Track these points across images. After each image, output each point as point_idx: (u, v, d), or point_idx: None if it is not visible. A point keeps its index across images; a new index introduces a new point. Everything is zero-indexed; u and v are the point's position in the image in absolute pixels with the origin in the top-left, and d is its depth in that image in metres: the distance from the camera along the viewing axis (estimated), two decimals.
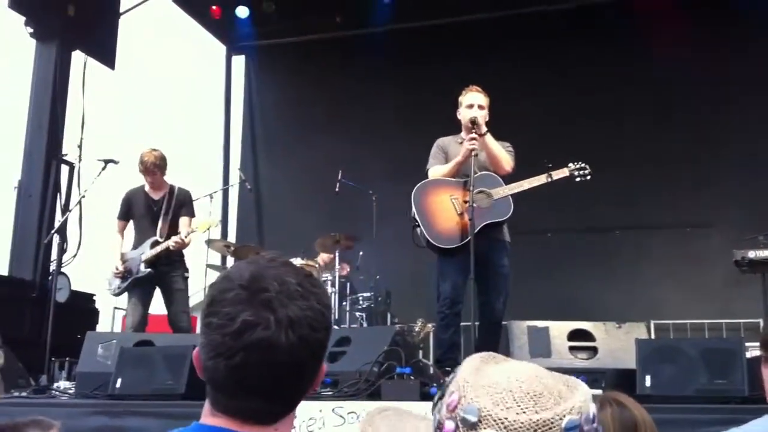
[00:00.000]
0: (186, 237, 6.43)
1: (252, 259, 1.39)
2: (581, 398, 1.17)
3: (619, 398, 2.49)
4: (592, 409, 1.18)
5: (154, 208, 6.68)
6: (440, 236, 5.29)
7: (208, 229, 7.00)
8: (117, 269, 6.57)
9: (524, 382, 1.17)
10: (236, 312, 1.28)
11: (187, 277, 6.79)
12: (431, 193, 5.44)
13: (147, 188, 6.75)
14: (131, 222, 6.80)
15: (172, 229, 6.57)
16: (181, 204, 6.72)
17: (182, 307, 6.57)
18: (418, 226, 5.34)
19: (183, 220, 6.68)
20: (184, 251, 6.73)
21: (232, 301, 1.29)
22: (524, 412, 1.13)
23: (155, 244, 6.49)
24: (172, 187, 6.76)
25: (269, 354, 1.27)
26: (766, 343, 2.27)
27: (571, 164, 5.61)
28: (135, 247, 6.65)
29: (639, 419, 2.40)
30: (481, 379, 1.19)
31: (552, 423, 1.13)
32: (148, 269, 6.45)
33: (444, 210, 5.35)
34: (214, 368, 1.30)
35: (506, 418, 1.13)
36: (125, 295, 6.72)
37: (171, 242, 6.39)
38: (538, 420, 1.13)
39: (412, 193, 5.43)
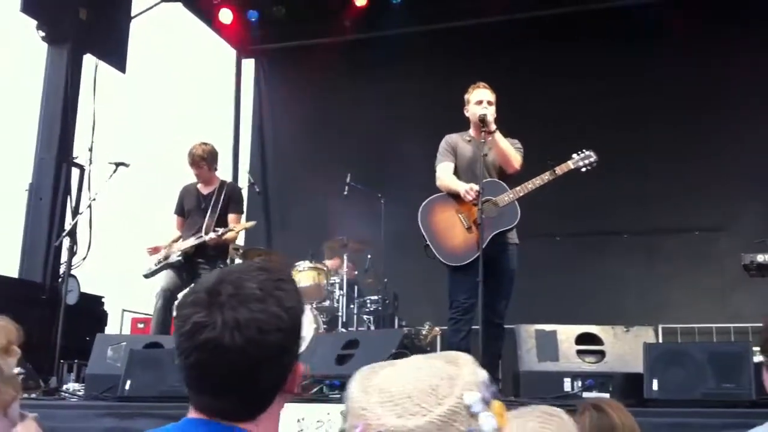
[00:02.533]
0: (222, 234, 6.46)
1: (233, 265, 1.49)
2: (469, 370, 1.21)
3: (600, 404, 2.49)
4: (483, 374, 1.22)
5: (203, 203, 6.75)
6: (451, 255, 5.31)
7: (244, 230, 7.07)
8: (150, 246, 6.72)
9: (416, 380, 1.19)
10: (190, 314, 1.36)
11: None
12: (437, 210, 5.44)
13: (198, 184, 6.84)
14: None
15: (219, 225, 6.60)
16: (229, 200, 6.78)
17: None
18: (428, 245, 5.35)
19: (231, 217, 6.75)
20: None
21: (191, 304, 1.37)
22: (429, 411, 1.15)
23: (198, 239, 6.56)
24: (222, 183, 6.86)
25: (218, 355, 1.34)
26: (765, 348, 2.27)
27: (574, 155, 5.50)
28: (183, 240, 6.73)
29: (617, 424, 2.41)
30: (373, 396, 1.20)
31: (458, 407, 1.16)
32: (180, 258, 6.52)
33: (452, 227, 5.35)
34: (179, 367, 1.40)
35: (417, 426, 1.15)
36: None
37: (207, 237, 6.45)
38: (445, 411, 1.15)
39: (419, 212, 5.44)
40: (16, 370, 2.13)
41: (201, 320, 1.34)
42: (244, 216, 7.22)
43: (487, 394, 1.19)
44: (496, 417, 1.19)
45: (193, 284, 1.51)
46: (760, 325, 2.51)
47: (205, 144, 6.75)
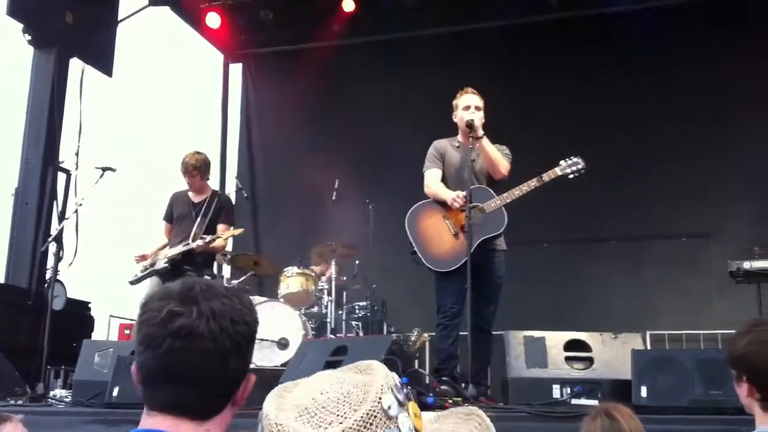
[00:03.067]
0: (209, 242, 6.44)
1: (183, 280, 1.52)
2: (381, 374, 1.23)
3: (611, 410, 2.54)
4: (395, 378, 1.24)
5: (193, 211, 6.72)
6: (438, 261, 5.32)
7: (231, 237, 7.04)
8: (137, 254, 6.67)
9: (327, 391, 1.21)
10: (163, 305, 1.40)
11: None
12: (424, 217, 5.45)
13: (189, 192, 6.81)
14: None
15: (208, 234, 6.57)
16: (220, 210, 6.76)
17: None
18: (416, 252, 5.35)
19: (220, 227, 6.73)
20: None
21: (161, 297, 1.42)
22: (346, 418, 1.16)
23: (185, 247, 6.52)
24: (214, 192, 6.84)
25: (192, 341, 1.38)
26: (733, 361, 2.29)
27: (562, 162, 5.49)
28: (171, 247, 6.69)
29: (626, 430, 2.45)
30: (289, 412, 1.20)
31: (374, 410, 1.17)
32: (166, 265, 6.48)
33: (438, 233, 5.36)
34: (144, 362, 1.41)
35: None
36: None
37: (194, 244, 6.42)
38: (362, 416, 1.16)
39: (406, 219, 5.45)
40: None
41: (176, 309, 1.39)
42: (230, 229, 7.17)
43: (402, 396, 1.21)
44: (412, 418, 1.20)
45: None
46: None
47: (199, 153, 6.72)
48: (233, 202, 7.02)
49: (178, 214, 6.79)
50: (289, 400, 1.23)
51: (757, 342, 2.20)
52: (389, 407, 1.18)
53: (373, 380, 1.22)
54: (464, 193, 5.18)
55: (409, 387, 1.25)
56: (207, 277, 6.77)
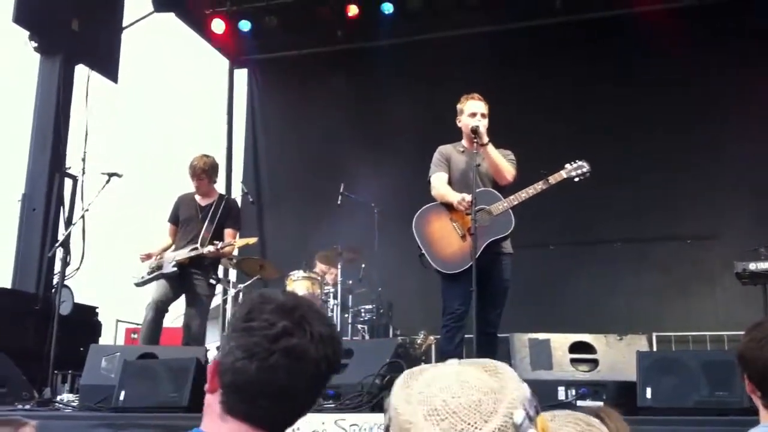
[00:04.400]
0: (221, 248, 6.46)
1: (273, 289, 1.56)
2: (513, 384, 1.20)
3: (600, 413, 2.54)
4: (527, 389, 1.21)
5: (199, 214, 6.73)
6: (446, 263, 5.32)
7: (245, 245, 7.06)
8: (143, 253, 6.69)
9: (460, 396, 1.18)
10: (276, 319, 1.43)
11: (213, 284, 6.81)
12: (432, 219, 5.46)
13: (197, 195, 6.82)
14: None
15: (215, 238, 6.60)
16: (227, 214, 6.77)
17: (198, 312, 6.57)
18: (424, 254, 5.37)
19: (228, 231, 6.73)
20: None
21: (272, 311, 1.45)
22: (477, 429, 1.15)
23: (193, 251, 6.53)
24: (221, 196, 6.85)
25: (300, 362, 1.43)
26: (737, 359, 2.32)
27: (567, 165, 5.51)
28: (176, 249, 6.70)
29: None
30: (417, 407, 1.19)
31: (505, 426, 1.15)
32: (175, 269, 6.49)
33: (446, 235, 5.37)
34: (242, 370, 1.42)
35: None
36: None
37: (205, 250, 6.44)
38: (491, 430, 1.15)
39: (413, 221, 5.46)
40: None
41: (290, 327, 1.43)
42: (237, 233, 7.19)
43: (532, 411, 1.19)
44: None
45: (252, 297, 1.54)
46: None
47: (207, 156, 6.75)
48: (240, 207, 7.02)
49: (185, 217, 6.80)
50: (415, 390, 1.21)
51: (754, 340, 2.23)
52: (520, 424, 1.16)
53: (503, 388, 1.19)
54: (469, 197, 5.19)
55: (537, 400, 1.23)
56: (212, 281, 6.79)
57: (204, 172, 6.66)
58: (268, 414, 1.44)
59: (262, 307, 1.46)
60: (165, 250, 6.79)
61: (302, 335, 1.43)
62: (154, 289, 6.64)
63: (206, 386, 1.49)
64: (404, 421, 1.19)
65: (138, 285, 6.75)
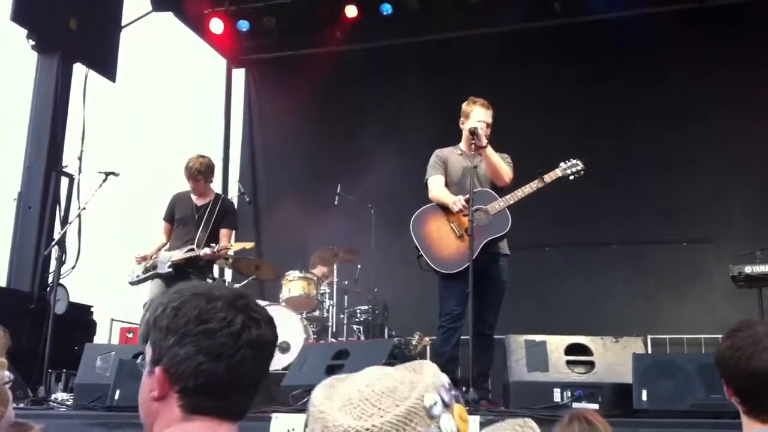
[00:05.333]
0: (218, 251, 6.45)
1: (196, 283, 1.56)
2: (430, 374, 1.22)
3: (588, 415, 2.58)
4: (444, 379, 1.22)
5: (195, 214, 6.71)
6: (444, 263, 5.33)
7: (241, 249, 7.04)
8: (139, 255, 6.65)
9: (374, 384, 1.20)
10: (232, 315, 1.45)
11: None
12: (429, 220, 5.47)
13: (192, 194, 6.79)
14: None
15: (211, 239, 6.59)
16: (224, 215, 6.76)
17: None
18: (422, 255, 5.37)
19: (223, 231, 6.73)
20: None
21: (223, 308, 1.45)
22: (387, 412, 1.16)
23: (190, 251, 6.51)
24: (217, 196, 6.82)
25: (261, 350, 1.47)
26: (716, 362, 2.31)
27: (562, 163, 5.58)
28: (171, 249, 6.67)
29: None
30: (335, 402, 1.21)
31: (416, 408, 1.16)
32: (170, 269, 6.46)
33: (444, 236, 5.37)
34: (211, 371, 1.43)
35: (373, 426, 1.15)
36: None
37: (202, 252, 6.42)
38: (402, 412, 1.15)
39: (411, 222, 5.47)
40: (6, 377, 2.10)
41: (246, 319, 1.45)
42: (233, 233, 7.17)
43: (447, 397, 1.19)
44: (457, 421, 1.18)
45: (181, 295, 1.49)
46: None
47: (203, 156, 6.72)
48: (236, 207, 7.00)
49: (180, 216, 6.78)
50: (337, 390, 1.24)
51: (731, 349, 2.22)
52: (432, 406, 1.17)
53: (420, 379, 1.21)
54: (466, 197, 5.20)
55: (457, 390, 1.24)
56: (209, 280, 6.78)
57: (200, 172, 6.64)
58: (239, 404, 1.48)
59: (211, 306, 1.45)
60: (160, 248, 6.77)
61: (257, 324, 1.47)
62: (150, 290, 6.62)
63: (153, 395, 1.47)
64: (317, 412, 1.21)
65: (132, 284, 6.73)
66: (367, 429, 1.14)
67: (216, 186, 10.87)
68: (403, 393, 1.18)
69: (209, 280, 6.82)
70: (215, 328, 1.43)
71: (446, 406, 1.19)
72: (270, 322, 1.51)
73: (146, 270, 6.60)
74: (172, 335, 1.45)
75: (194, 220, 6.69)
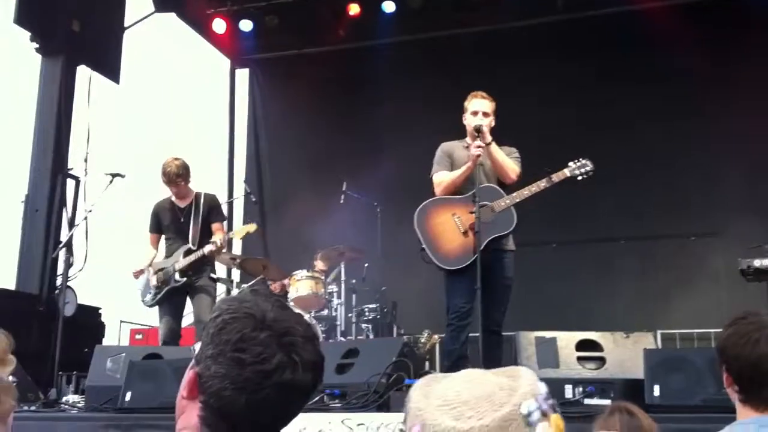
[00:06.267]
0: (221, 242, 6.44)
1: (260, 297, 1.48)
2: (528, 381, 1.23)
3: (629, 407, 2.60)
4: (542, 387, 1.23)
5: (182, 217, 6.67)
6: (447, 258, 5.29)
7: (246, 234, 7.01)
8: (135, 270, 6.63)
9: (471, 387, 1.22)
10: (269, 354, 1.39)
11: (214, 279, 6.76)
12: (433, 214, 5.42)
13: (173, 198, 6.75)
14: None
15: (204, 236, 6.56)
16: (209, 209, 6.72)
17: (209, 303, 6.46)
18: (424, 249, 5.35)
19: (215, 226, 6.69)
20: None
21: (263, 342, 1.39)
22: (485, 416, 1.17)
23: (188, 252, 6.48)
24: (198, 194, 6.75)
25: (291, 393, 1.41)
26: (716, 350, 2.31)
27: (571, 163, 5.47)
28: (167, 256, 6.66)
29: (646, 428, 2.50)
30: (432, 401, 1.23)
31: (513, 414, 1.17)
32: (183, 278, 6.44)
33: (447, 231, 5.33)
34: (231, 400, 1.39)
35: (471, 428, 1.17)
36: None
37: (206, 249, 6.40)
38: (500, 417, 1.17)
39: (414, 216, 5.40)
40: (11, 378, 2.13)
41: (284, 361, 1.39)
42: (226, 222, 7.17)
43: (546, 406, 1.20)
44: (554, 430, 1.20)
45: (237, 311, 1.45)
46: None
47: (177, 159, 6.58)
48: (218, 198, 6.96)
49: (167, 223, 6.71)
50: (434, 389, 1.25)
51: (736, 335, 2.21)
52: (530, 414, 1.18)
53: (518, 386, 1.22)
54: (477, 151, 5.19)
55: (553, 399, 1.24)
56: (213, 275, 6.75)
57: (179, 176, 6.53)
58: None
59: (254, 335, 1.40)
60: (152, 261, 6.73)
61: (294, 368, 1.40)
62: (161, 327, 6.59)
63: (183, 392, 1.46)
64: (415, 408, 1.23)
65: (150, 306, 6.69)
66: (466, 431, 1.16)
67: (222, 186, 10.91)
68: (501, 398, 1.19)
69: (212, 275, 6.77)
70: (247, 361, 1.38)
71: (544, 414, 1.20)
72: (313, 366, 1.44)
73: (158, 288, 6.54)
74: (212, 348, 1.42)
75: (180, 222, 6.65)
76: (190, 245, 6.50)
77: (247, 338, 1.40)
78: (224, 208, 7.73)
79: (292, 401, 1.44)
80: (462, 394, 1.21)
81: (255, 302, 1.45)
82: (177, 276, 6.45)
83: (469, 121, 5.49)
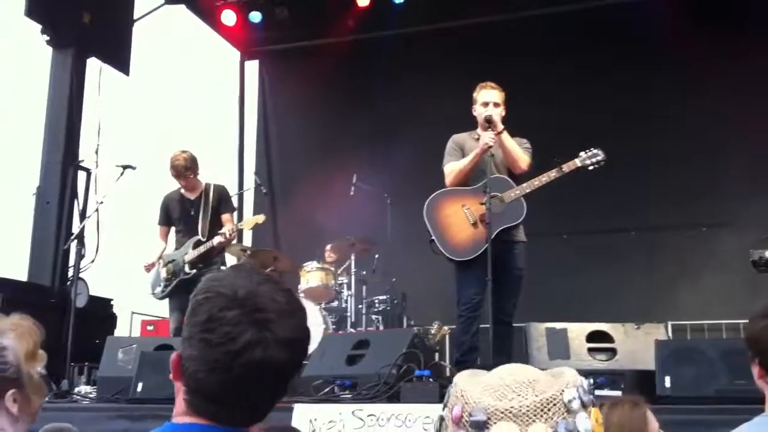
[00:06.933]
0: (230, 233, 6.45)
1: (239, 273, 1.44)
2: (572, 374, 1.26)
3: (637, 401, 2.60)
4: (584, 381, 1.27)
5: (191, 209, 6.69)
6: (456, 249, 5.29)
7: (255, 225, 7.01)
8: (147, 263, 6.66)
9: (517, 375, 1.25)
10: (237, 332, 1.34)
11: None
12: (443, 205, 5.42)
13: (182, 190, 6.77)
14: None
15: (214, 227, 6.58)
16: (219, 201, 6.73)
17: None
18: (434, 240, 5.34)
19: (225, 217, 6.70)
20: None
21: (231, 321, 1.34)
22: (526, 398, 1.20)
23: (198, 243, 6.50)
24: (207, 186, 6.77)
25: (264, 371, 1.35)
26: (748, 342, 2.28)
27: (582, 153, 5.44)
28: (177, 249, 6.68)
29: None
30: (477, 384, 1.26)
31: (554, 398, 1.20)
32: (193, 270, 6.45)
33: (457, 222, 5.33)
34: (205, 381, 1.36)
35: (512, 407, 1.19)
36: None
37: (215, 241, 6.41)
38: (541, 400, 1.20)
39: (424, 207, 5.41)
40: (42, 371, 2.13)
41: (252, 339, 1.34)
42: (236, 213, 7.19)
43: (586, 398, 1.23)
44: (593, 423, 1.22)
45: (210, 290, 1.39)
46: None
47: (184, 152, 6.61)
48: (227, 189, 6.98)
49: (177, 216, 6.75)
50: (480, 377, 1.29)
51: None
52: (570, 401, 1.20)
53: (561, 379, 1.25)
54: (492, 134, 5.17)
55: (595, 394, 1.27)
56: (223, 268, 6.76)
57: (187, 168, 6.56)
58: (234, 417, 1.40)
59: (222, 314, 1.35)
60: (162, 253, 6.76)
61: (266, 346, 1.34)
62: (171, 321, 6.66)
63: (170, 375, 1.44)
64: (459, 392, 1.26)
65: (161, 298, 6.72)
66: (507, 409, 1.19)
67: (232, 178, 10.92)
68: (544, 385, 1.23)
69: (223, 267, 6.78)
70: (214, 341, 1.34)
71: (584, 405, 1.22)
72: (290, 343, 1.37)
73: (167, 281, 6.57)
74: (187, 330, 1.40)
75: (190, 215, 6.68)
76: (199, 237, 6.52)
77: (215, 318, 1.36)
78: (234, 200, 7.75)
79: (269, 381, 1.38)
80: (505, 379, 1.24)
81: (229, 280, 1.41)
82: (187, 268, 6.47)
83: (480, 112, 5.48)
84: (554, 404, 1.19)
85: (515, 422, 1.18)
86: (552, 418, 1.18)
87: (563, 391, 1.21)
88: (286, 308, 1.40)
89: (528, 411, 1.18)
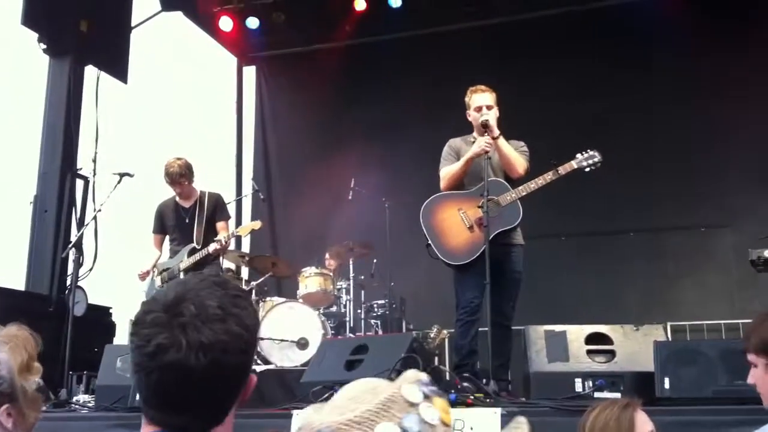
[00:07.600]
0: (226, 241, 6.43)
1: (183, 280, 1.47)
2: (410, 372, 1.27)
3: (631, 403, 2.59)
4: (423, 375, 1.27)
5: (186, 217, 6.69)
6: (452, 254, 5.29)
7: (251, 231, 7.00)
8: (141, 271, 6.66)
9: (358, 386, 1.25)
10: (152, 334, 1.36)
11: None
12: (439, 209, 5.42)
13: (177, 198, 6.76)
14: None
15: (209, 235, 6.57)
16: (214, 208, 6.73)
17: None
18: (430, 245, 5.34)
19: (220, 225, 6.70)
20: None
21: (151, 324, 1.37)
22: (366, 404, 1.19)
23: (193, 251, 6.50)
24: (202, 193, 6.76)
25: (182, 375, 1.35)
26: (763, 347, 2.26)
27: (578, 155, 5.42)
28: (172, 257, 6.66)
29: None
30: (322, 410, 1.24)
31: (394, 397, 1.20)
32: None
33: (453, 226, 5.33)
34: (138, 384, 1.39)
35: (354, 416, 1.18)
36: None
37: (211, 248, 6.40)
38: (381, 401, 1.19)
39: (421, 211, 5.42)
40: (38, 383, 2.12)
41: (164, 342, 1.35)
42: (232, 221, 7.18)
43: (426, 390, 1.23)
44: (439, 411, 1.22)
45: (154, 295, 1.45)
46: None
47: (179, 159, 6.61)
48: (223, 197, 6.97)
49: (172, 223, 6.74)
50: (327, 404, 1.27)
51: None
52: (411, 395, 1.21)
53: (400, 379, 1.25)
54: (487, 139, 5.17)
55: (436, 386, 1.27)
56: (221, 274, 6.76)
57: (182, 176, 6.56)
58: (174, 423, 1.39)
59: (145, 317, 1.38)
60: (156, 262, 6.75)
61: (178, 348, 1.33)
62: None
63: None
64: (306, 419, 1.24)
65: None
66: (349, 420, 1.18)
67: (230, 184, 10.91)
68: (384, 388, 1.22)
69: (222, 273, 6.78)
70: (135, 344, 1.38)
71: (425, 397, 1.22)
72: (208, 348, 1.35)
73: (162, 286, 6.58)
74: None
75: (185, 223, 6.67)
76: (194, 245, 6.51)
77: (139, 322, 1.39)
78: (232, 206, 7.73)
79: (188, 383, 1.35)
80: (347, 393, 1.24)
81: (173, 285, 1.44)
82: (182, 276, 6.46)
83: (475, 117, 5.48)
84: (395, 402, 1.19)
85: (359, 429, 1.17)
86: (396, 416, 1.18)
87: (401, 386, 1.21)
88: (215, 313, 1.38)
89: (370, 415, 1.18)
